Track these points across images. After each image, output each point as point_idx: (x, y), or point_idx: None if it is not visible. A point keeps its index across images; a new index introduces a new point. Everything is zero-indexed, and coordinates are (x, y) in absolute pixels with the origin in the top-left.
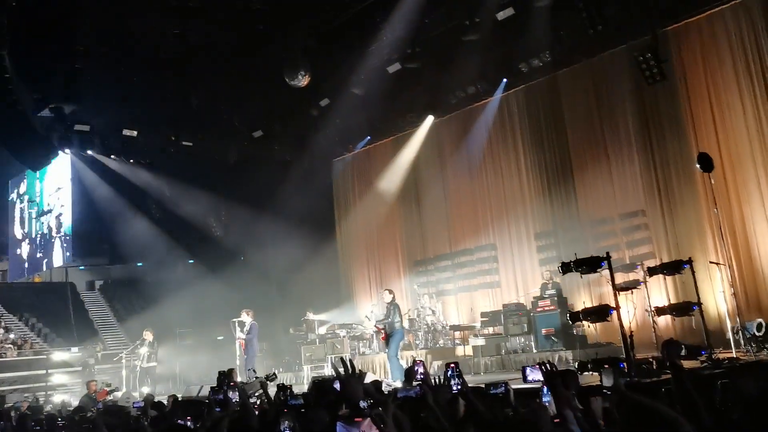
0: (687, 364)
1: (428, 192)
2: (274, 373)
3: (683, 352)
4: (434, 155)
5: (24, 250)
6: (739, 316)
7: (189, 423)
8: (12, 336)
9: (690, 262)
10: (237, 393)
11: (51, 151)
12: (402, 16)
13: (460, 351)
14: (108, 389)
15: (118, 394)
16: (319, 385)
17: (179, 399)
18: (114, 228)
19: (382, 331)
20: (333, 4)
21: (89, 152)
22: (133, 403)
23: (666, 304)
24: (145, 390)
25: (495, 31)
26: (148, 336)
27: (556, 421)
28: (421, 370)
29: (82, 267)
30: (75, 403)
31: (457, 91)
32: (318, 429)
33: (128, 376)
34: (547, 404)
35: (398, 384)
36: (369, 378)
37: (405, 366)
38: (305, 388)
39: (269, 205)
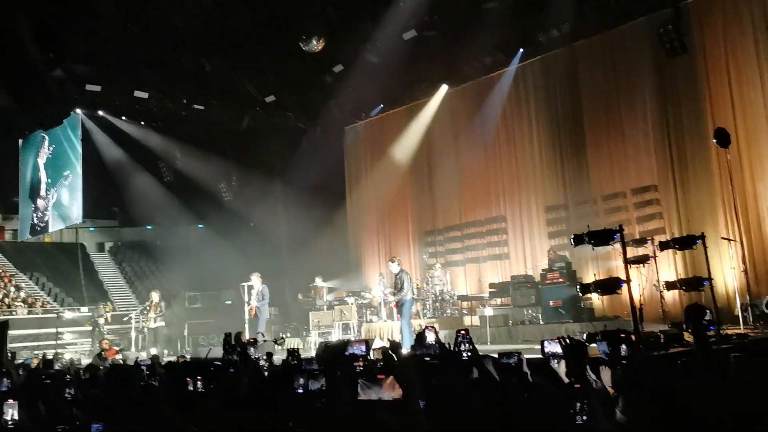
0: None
1: (440, 162)
2: (283, 337)
3: (707, 317)
4: (447, 125)
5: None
6: (748, 293)
7: (199, 383)
8: (23, 294)
9: (702, 237)
10: (257, 351)
11: (62, 110)
12: None
13: (467, 321)
14: (117, 349)
15: (127, 353)
16: (332, 349)
17: (188, 360)
18: (124, 190)
19: (394, 301)
20: None
21: (100, 113)
22: (141, 362)
23: (675, 279)
24: (153, 351)
25: None
26: (155, 297)
27: (576, 386)
28: (431, 336)
29: (92, 228)
30: (84, 361)
31: (472, 60)
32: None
33: (137, 336)
34: (556, 368)
35: None
36: (377, 344)
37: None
38: (312, 353)
39: (280, 172)
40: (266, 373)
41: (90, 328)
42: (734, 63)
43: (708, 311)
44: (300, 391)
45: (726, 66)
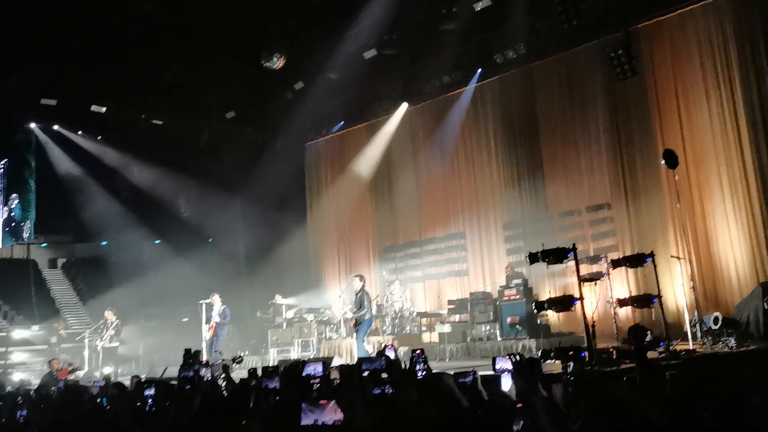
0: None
1: (400, 179)
2: (241, 356)
3: (649, 338)
4: (407, 143)
5: None
6: (697, 310)
7: (150, 400)
8: None
9: (652, 255)
10: (209, 371)
11: (16, 124)
12: (380, 2)
13: (426, 337)
14: (70, 368)
15: (80, 373)
16: (287, 370)
17: (142, 380)
18: (79, 205)
19: (352, 319)
20: None
21: (56, 127)
22: (94, 382)
23: (627, 295)
24: (107, 370)
25: (472, 21)
26: (110, 316)
27: (519, 406)
28: (391, 355)
29: (45, 244)
30: (35, 381)
31: (432, 79)
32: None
33: (90, 355)
34: (507, 392)
35: None
36: (336, 361)
37: (371, 351)
38: None
39: (240, 187)
40: (225, 393)
41: (42, 347)
42: (682, 86)
43: (649, 332)
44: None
45: (674, 89)
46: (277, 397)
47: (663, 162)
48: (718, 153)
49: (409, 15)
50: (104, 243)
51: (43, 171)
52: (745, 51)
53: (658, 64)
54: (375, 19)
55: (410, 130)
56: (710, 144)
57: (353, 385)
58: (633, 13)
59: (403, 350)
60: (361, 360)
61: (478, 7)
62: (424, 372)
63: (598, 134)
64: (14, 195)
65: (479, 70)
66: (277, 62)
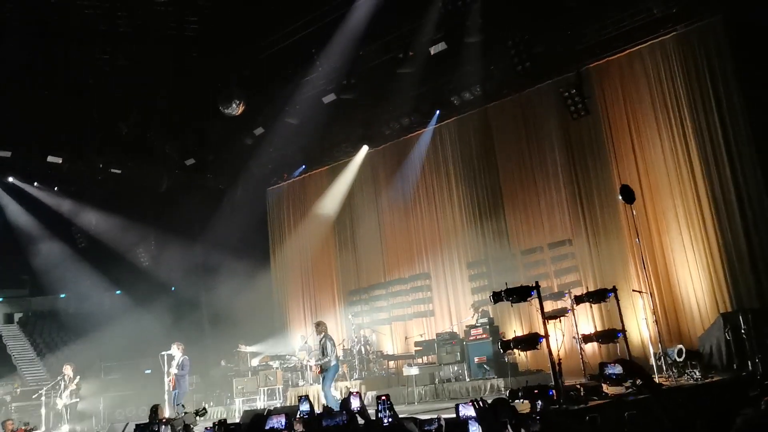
0: (613, 390)
1: (363, 221)
2: (204, 408)
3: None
4: (369, 185)
5: None
6: (660, 342)
7: None
8: None
9: (614, 290)
10: (169, 428)
11: None
12: (337, 48)
13: (394, 380)
14: (25, 428)
15: None
16: (252, 424)
17: None
18: (35, 258)
19: (316, 366)
20: (268, 33)
21: (10, 179)
22: None
23: (592, 331)
24: (66, 429)
25: (428, 64)
26: (69, 371)
27: None
28: (356, 402)
29: (0, 299)
30: None
31: (391, 122)
32: None
33: (48, 414)
34: None
35: None
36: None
37: (339, 398)
38: (237, 420)
39: (201, 235)
40: None
41: None
42: (635, 123)
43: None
44: None
45: (627, 126)
46: None
47: (620, 197)
48: (672, 187)
49: (367, 60)
50: (62, 296)
51: None
52: (692, 86)
53: (610, 102)
54: (333, 64)
55: (371, 172)
56: (665, 178)
57: None
58: (583, 54)
59: (371, 395)
60: (321, 415)
61: (434, 50)
62: (390, 419)
63: (557, 172)
64: None
65: (437, 112)
66: (237, 109)
